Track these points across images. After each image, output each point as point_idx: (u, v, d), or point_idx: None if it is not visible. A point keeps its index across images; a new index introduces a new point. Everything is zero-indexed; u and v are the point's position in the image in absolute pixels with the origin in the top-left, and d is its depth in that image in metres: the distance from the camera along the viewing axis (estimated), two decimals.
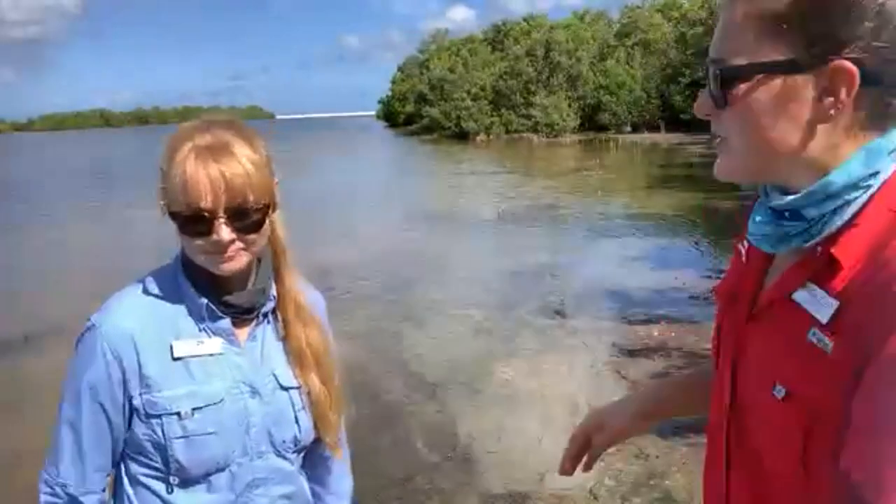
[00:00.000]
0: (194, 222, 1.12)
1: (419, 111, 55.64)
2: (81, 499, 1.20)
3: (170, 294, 1.22)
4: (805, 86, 0.73)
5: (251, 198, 1.13)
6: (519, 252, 9.58)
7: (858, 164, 0.74)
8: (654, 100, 40.59)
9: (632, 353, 5.40)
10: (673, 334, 5.75)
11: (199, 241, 1.14)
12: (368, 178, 23.36)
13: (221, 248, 1.14)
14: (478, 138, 43.79)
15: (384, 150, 39.79)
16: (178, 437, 1.16)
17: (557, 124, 41.84)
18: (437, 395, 4.90)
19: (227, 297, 1.21)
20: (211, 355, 1.20)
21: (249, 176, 1.12)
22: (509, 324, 6.40)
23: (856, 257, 0.73)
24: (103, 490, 1.23)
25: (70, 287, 8.39)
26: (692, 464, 3.64)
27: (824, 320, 0.73)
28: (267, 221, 1.19)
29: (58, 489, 1.19)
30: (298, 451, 1.32)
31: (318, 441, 1.34)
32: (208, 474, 1.20)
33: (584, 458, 1.17)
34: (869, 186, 0.75)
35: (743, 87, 0.76)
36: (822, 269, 0.75)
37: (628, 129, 41.18)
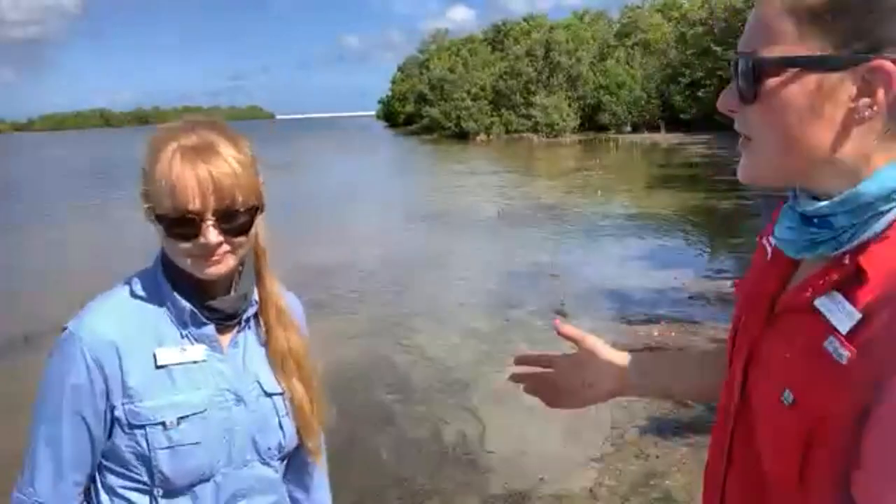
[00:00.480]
0: (181, 225, 1.09)
1: (419, 111, 55.63)
2: None
3: (151, 299, 1.17)
4: (841, 84, 0.71)
5: (239, 199, 1.10)
6: (519, 252, 9.58)
7: (893, 175, 0.72)
8: (654, 100, 40.56)
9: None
10: (673, 334, 5.75)
11: (185, 245, 1.10)
12: (368, 178, 23.33)
13: (208, 251, 1.11)
14: (478, 138, 43.81)
15: (384, 150, 39.76)
16: (162, 448, 1.12)
17: (557, 124, 41.84)
18: (437, 395, 4.90)
19: (212, 302, 1.18)
20: (194, 363, 1.17)
21: (237, 176, 1.09)
22: (509, 323, 6.40)
23: (884, 271, 0.70)
24: None
25: (70, 287, 8.35)
26: (692, 464, 3.64)
27: (844, 330, 0.71)
28: (254, 224, 1.16)
29: None
30: (282, 459, 1.29)
31: (298, 447, 1.31)
32: (192, 485, 1.16)
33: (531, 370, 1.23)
34: None
35: (775, 81, 0.74)
36: (847, 279, 0.73)
37: (628, 129, 41.16)
